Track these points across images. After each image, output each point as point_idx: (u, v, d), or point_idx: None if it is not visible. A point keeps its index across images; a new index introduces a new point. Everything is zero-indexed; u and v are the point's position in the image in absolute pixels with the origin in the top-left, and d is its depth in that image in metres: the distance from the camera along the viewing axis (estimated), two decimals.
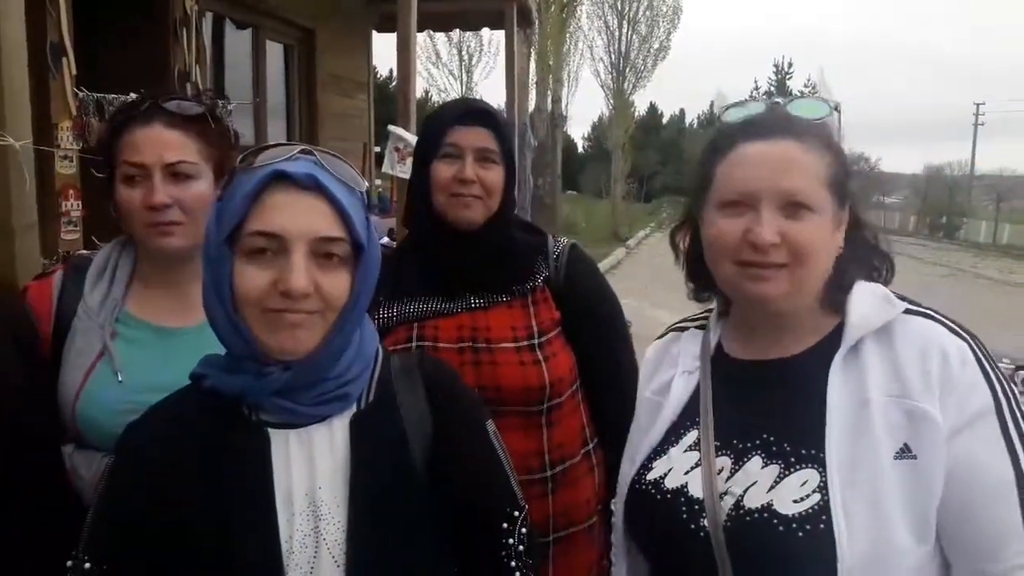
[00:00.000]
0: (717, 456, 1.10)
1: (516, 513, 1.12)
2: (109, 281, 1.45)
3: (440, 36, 24.30)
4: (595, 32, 28.37)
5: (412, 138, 4.26)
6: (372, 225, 1.07)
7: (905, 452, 0.99)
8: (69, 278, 1.44)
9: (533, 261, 1.69)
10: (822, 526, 0.97)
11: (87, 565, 1.00)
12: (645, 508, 1.15)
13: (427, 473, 1.06)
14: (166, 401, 1.10)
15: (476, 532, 1.10)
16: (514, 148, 1.71)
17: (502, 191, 1.64)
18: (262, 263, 0.98)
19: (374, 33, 8.06)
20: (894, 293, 1.11)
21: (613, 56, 28.74)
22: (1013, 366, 3.12)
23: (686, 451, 1.15)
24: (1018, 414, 1.01)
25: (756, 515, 1.02)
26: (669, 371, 1.25)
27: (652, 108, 58.27)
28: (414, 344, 1.60)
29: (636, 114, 33.20)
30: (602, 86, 29.21)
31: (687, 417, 1.18)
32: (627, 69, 28.73)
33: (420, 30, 5.55)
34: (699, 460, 1.12)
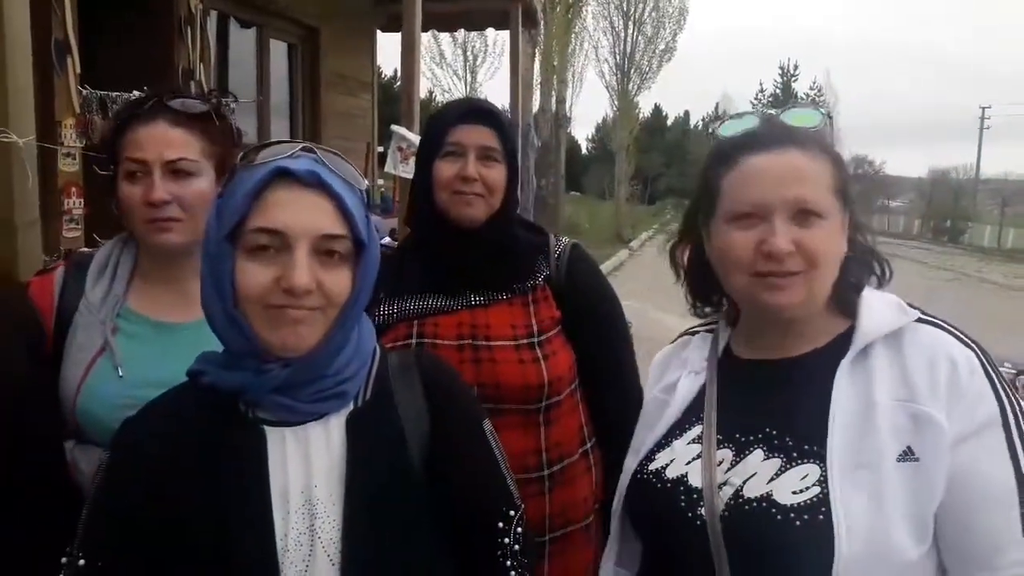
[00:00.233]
0: (719, 449, 1.11)
1: (512, 513, 1.12)
2: (111, 277, 1.45)
3: (445, 36, 24.24)
4: (600, 33, 28.41)
5: (415, 138, 4.26)
6: (371, 223, 1.07)
7: (908, 455, 0.99)
8: (71, 274, 1.45)
9: (534, 259, 1.70)
10: (821, 517, 0.98)
11: (81, 561, 0.99)
12: (645, 496, 1.16)
13: (424, 472, 1.06)
14: (163, 397, 1.10)
15: (472, 531, 1.10)
16: (516, 147, 1.72)
17: (504, 189, 1.64)
18: (264, 260, 0.98)
19: (379, 33, 8.06)
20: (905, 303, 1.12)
21: (618, 57, 28.74)
22: (1014, 371, 3.11)
23: (689, 444, 1.16)
24: (1023, 424, 1.01)
25: (755, 504, 1.03)
26: (677, 372, 1.27)
27: (657, 109, 58.25)
28: (414, 341, 1.60)
29: (640, 115, 33.17)
30: (607, 87, 29.24)
31: (692, 413, 1.19)
32: (632, 70, 28.70)
33: (425, 30, 5.54)
34: (701, 452, 1.12)
